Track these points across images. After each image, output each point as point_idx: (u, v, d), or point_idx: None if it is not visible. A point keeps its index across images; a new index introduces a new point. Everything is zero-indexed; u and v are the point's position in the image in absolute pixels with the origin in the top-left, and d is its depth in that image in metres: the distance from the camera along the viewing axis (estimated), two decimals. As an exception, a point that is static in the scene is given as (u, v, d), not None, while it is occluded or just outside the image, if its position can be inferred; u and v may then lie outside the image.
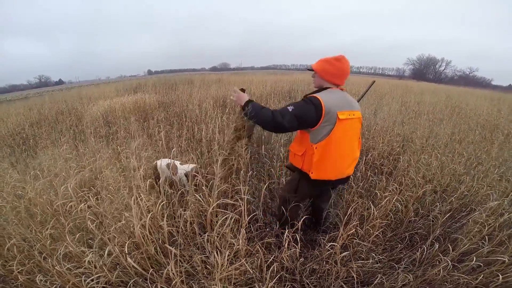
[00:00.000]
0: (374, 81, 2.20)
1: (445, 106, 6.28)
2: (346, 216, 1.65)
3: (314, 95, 1.47)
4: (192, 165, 2.21)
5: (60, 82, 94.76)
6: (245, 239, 1.47)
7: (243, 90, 1.70)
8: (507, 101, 8.90)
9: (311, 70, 1.61)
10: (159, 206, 1.57)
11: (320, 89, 1.57)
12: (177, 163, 2.23)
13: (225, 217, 1.49)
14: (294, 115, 1.42)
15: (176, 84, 10.18)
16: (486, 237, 1.63)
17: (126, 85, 11.43)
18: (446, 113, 5.29)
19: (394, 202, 1.86)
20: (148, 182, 1.75)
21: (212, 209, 1.51)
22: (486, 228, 1.65)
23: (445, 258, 1.49)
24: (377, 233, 1.70)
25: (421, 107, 5.63)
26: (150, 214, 1.48)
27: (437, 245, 1.65)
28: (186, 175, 2.12)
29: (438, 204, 2.08)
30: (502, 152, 3.11)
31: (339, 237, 1.55)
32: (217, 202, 1.54)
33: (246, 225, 1.48)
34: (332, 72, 1.52)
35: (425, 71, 61.03)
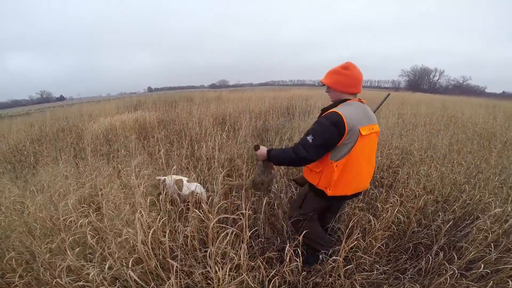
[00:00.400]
0: (389, 94, 2.15)
1: (441, 116, 6.34)
2: (348, 229, 1.65)
3: (334, 110, 1.37)
4: (198, 184, 2.20)
5: (61, 98, 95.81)
6: (246, 254, 1.45)
7: (257, 147, 1.70)
8: (502, 108, 9.00)
9: (323, 85, 1.54)
10: (160, 222, 1.57)
11: (338, 101, 1.47)
12: (184, 179, 2.24)
13: (225, 232, 1.48)
14: (315, 146, 1.36)
15: (176, 101, 10.31)
16: (492, 244, 1.62)
17: (127, 102, 11.57)
18: (443, 124, 5.34)
19: (395, 214, 1.85)
20: (148, 199, 1.76)
21: (213, 224, 1.51)
22: (491, 235, 1.64)
23: (451, 266, 1.47)
24: (379, 245, 1.69)
25: (417, 119, 5.67)
26: (152, 230, 1.47)
27: (442, 254, 1.63)
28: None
29: (440, 213, 2.07)
30: (502, 159, 3.12)
31: (341, 250, 1.53)
32: (218, 217, 1.54)
33: (247, 240, 1.46)
34: (345, 82, 1.43)
35: (420, 81, 62.05)
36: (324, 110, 1.48)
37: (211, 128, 4.20)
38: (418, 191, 2.23)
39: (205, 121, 4.89)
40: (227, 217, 1.76)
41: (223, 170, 2.47)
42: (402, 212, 1.93)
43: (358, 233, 1.65)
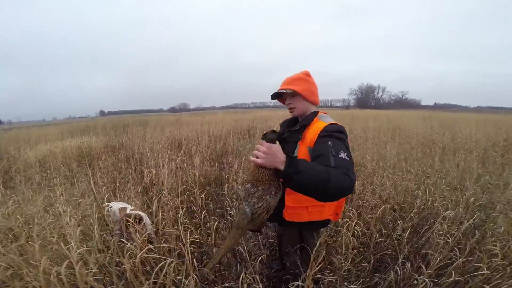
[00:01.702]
0: None
1: (387, 129, 6.90)
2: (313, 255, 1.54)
3: (334, 122, 1.13)
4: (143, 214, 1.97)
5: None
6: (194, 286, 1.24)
7: (273, 133, 0.99)
8: (435, 118, 10.23)
9: (279, 96, 1.30)
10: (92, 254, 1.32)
11: (311, 115, 1.23)
12: (129, 208, 2.01)
13: (163, 263, 1.27)
14: (352, 163, 0.99)
15: (129, 125, 9.73)
16: (456, 248, 1.64)
17: (73, 127, 10.69)
18: (389, 136, 5.77)
19: (356, 227, 1.81)
20: (78, 229, 1.52)
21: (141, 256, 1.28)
22: (451, 239, 1.66)
23: (421, 277, 1.43)
24: (344, 261, 1.59)
25: (367, 133, 6.07)
26: (79, 263, 1.23)
27: (409, 264, 1.59)
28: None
29: (399, 221, 2.08)
30: (444, 164, 3.39)
31: (307, 274, 1.40)
32: (146, 248, 1.32)
33: (194, 269, 1.26)
34: (314, 90, 1.25)
35: (367, 99, 68.60)
36: (294, 129, 1.22)
37: (164, 153, 3.92)
38: (374, 201, 2.25)
39: (159, 146, 4.59)
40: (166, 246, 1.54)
41: (174, 197, 2.25)
42: (361, 224, 1.90)
43: (323, 249, 1.55)
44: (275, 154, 0.94)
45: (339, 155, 0.97)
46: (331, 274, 1.55)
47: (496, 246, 1.62)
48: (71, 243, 1.33)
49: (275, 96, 1.32)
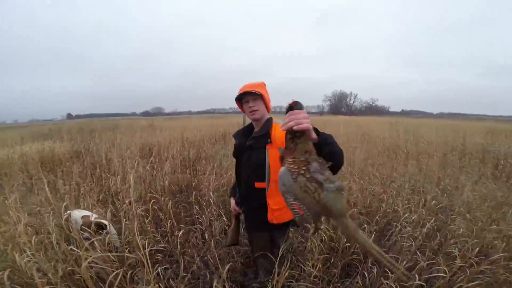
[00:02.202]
0: None
1: (356, 135, 7.20)
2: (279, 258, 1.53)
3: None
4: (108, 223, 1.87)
5: None
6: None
7: (293, 105, 0.84)
8: (401, 124, 10.86)
9: (241, 98, 1.35)
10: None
11: (268, 120, 1.32)
12: (93, 216, 1.95)
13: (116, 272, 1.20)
14: None
15: (97, 130, 9.23)
16: (419, 252, 1.70)
17: (36, 131, 9.95)
18: (358, 141, 6.02)
19: (324, 232, 1.83)
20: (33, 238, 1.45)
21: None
22: (414, 242, 1.73)
23: (387, 282, 1.46)
24: (313, 268, 1.60)
25: (337, 139, 6.27)
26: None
27: (376, 268, 1.62)
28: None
29: (365, 225, 2.15)
30: (407, 168, 3.58)
31: (275, 281, 1.38)
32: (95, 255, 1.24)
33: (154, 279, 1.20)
34: (270, 99, 1.36)
35: (340, 105, 71.34)
36: (259, 135, 1.29)
37: (133, 159, 3.76)
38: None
39: (128, 152, 4.39)
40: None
41: (140, 205, 2.16)
42: (328, 229, 1.92)
43: (291, 253, 1.54)
44: (307, 121, 0.80)
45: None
46: (301, 280, 1.55)
47: (455, 248, 1.71)
48: (26, 252, 1.28)
49: (239, 97, 1.36)
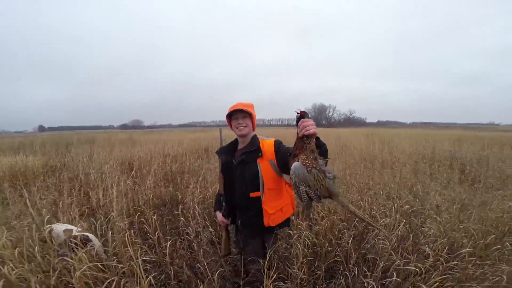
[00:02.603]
0: None
1: (335, 146, 7.47)
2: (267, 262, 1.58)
3: (275, 139, 1.50)
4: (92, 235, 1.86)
5: None
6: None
7: (303, 114, 1.13)
8: (377, 134, 11.39)
9: (228, 117, 1.55)
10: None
11: (254, 137, 1.55)
12: (75, 230, 1.91)
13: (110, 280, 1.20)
14: None
15: (73, 143, 8.87)
16: (393, 251, 1.80)
17: (5, 144, 9.30)
18: (337, 153, 6.25)
19: (305, 237, 1.90)
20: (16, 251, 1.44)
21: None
22: (389, 243, 1.84)
23: (367, 280, 1.54)
24: (298, 271, 1.66)
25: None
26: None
27: (356, 269, 1.70)
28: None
29: (345, 231, 2.25)
30: (383, 176, 3.79)
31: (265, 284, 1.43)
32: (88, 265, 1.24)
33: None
34: (255, 118, 1.56)
35: (319, 117, 73.31)
36: (251, 150, 1.47)
37: (114, 174, 3.68)
38: (322, 213, 2.40)
39: (106, 167, 4.28)
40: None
41: (124, 219, 2.14)
42: (310, 236, 2.00)
43: (276, 259, 1.61)
44: (314, 126, 1.08)
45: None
46: (289, 283, 1.61)
47: (427, 247, 1.84)
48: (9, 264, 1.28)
49: (230, 114, 1.54)
